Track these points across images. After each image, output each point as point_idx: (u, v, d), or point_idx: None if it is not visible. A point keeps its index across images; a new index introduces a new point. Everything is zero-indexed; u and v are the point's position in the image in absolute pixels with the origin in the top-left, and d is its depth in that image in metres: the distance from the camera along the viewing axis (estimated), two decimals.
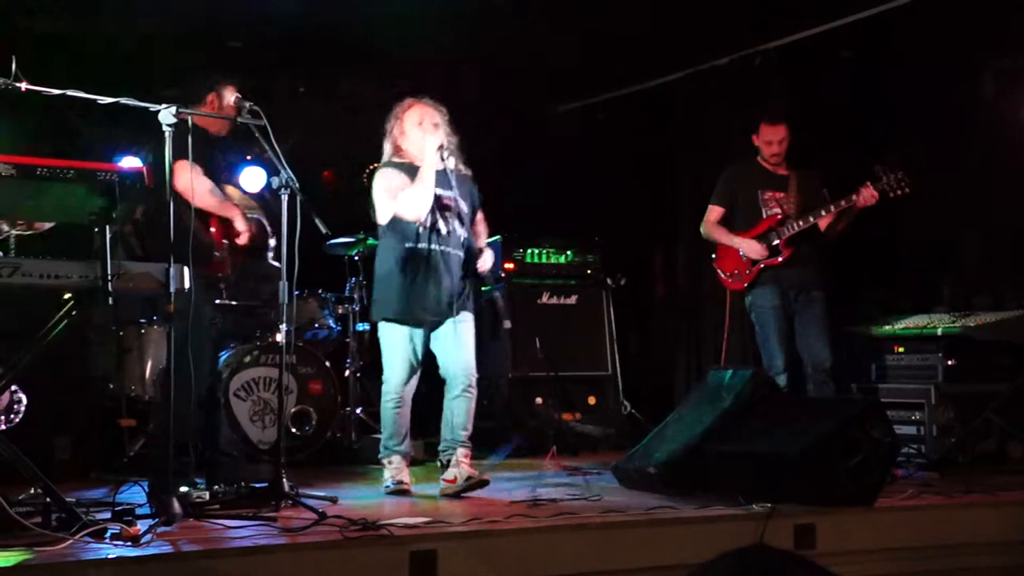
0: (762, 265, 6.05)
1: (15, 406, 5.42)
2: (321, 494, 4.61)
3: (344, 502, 4.53)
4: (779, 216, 6.10)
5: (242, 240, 4.98)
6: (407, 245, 4.98)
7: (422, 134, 5.01)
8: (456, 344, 5.03)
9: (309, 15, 6.90)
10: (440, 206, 5.01)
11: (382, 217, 5.08)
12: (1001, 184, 6.68)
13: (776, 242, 6.04)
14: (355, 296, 6.95)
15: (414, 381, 5.11)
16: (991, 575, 4.37)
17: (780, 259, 6.03)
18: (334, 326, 6.97)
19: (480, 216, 5.30)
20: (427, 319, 5.01)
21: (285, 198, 4.59)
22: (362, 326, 7.05)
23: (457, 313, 5.01)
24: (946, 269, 7.03)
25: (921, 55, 6.83)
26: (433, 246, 4.98)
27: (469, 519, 4.07)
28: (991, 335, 5.67)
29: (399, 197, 4.97)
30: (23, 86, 3.85)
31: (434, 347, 5.09)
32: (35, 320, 4.06)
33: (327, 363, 6.60)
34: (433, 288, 4.97)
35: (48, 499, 3.75)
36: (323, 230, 4.91)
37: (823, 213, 5.97)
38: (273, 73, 7.59)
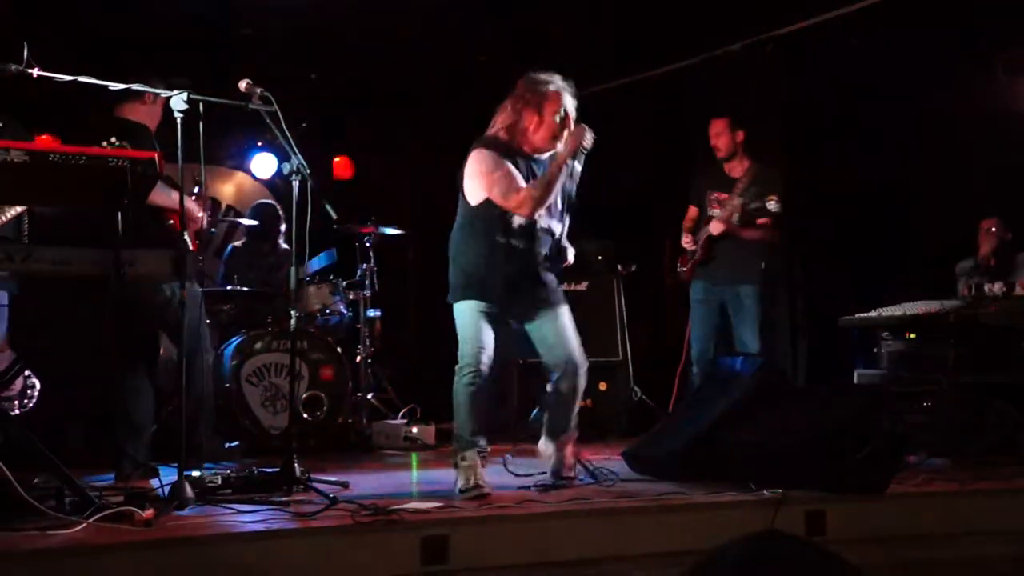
0: (694, 260, 6.42)
1: (29, 391, 5.46)
2: (332, 479, 4.62)
3: (355, 487, 4.54)
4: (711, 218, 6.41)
5: (196, 227, 5.01)
6: (498, 239, 4.55)
7: (562, 128, 4.57)
8: (554, 333, 4.70)
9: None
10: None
11: (474, 197, 4.58)
12: (1015, 172, 6.65)
13: (699, 241, 6.39)
14: (366, 282, 6.96)
15: (487, 360, 4.60)
16: (1003, 563, 4.36)
17: (697, 258, 6.39)
18: (345, 312, 6.98)
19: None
20: (515, 300, 4.62)
21: (296, 184, 4.60)
22: (373, 312, 7.07)
23: (554, 297, 4.69)
24: (958, 256, 7.01)
25: (932, 43, 6.79)
26: (528, 244, 4.60)
27: (480, 504, 4.08)
28: (1004, 322, 5.64)
29: (513, 194, 4.49)
30: (35, 72, 3.86)
31: (530, 335, 4.76)
32: (49, 307, 4.08)
33: (338, 349, 6.62)
34: (526, 276, 4.60)
35: (62, 483, 3.77)
36: (333, 216, 4.91)
37: (716, 225, 6.29)
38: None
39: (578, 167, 4.62)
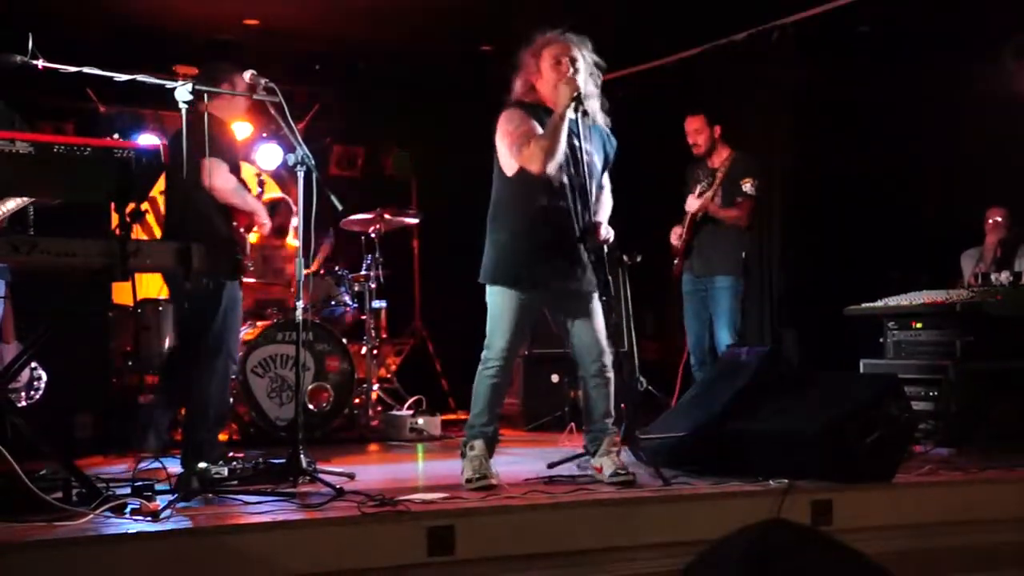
0: (680, 250, 6.49)
1: (35, 383, 5.46)
2: (339, 470, 4.63)
3: (361, 478, 4.54)
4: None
5: (264, 232, 5.02)
6: (541, 203, 4.41)
7: (557, 77, 4.40)
8: (588, 323, 4.52)
9: None
10: (575, 159, 4.41)
11: (508, 167, 4.47)
12: (1020, 159, 6.63)
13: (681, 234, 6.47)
14: (372, 273, 6.96)
15: (514, 355, 4.53)
16: (1009, 551, 4.35)
17: (681, 245, 6.46)
18: (351, 303, 6.98)
19: (606, 180, 4.69)
20: (553, 286, 4.48)
21: (301, 175, 4.60)
22: (379, 303, 7.07)
23: (588, 285, 4.50)
24: (964, 245, 7.00)
25: (940, 29, 6.76)
26: (569, 204, 4.42)
27: (486, 495, 4.08)
28: (1010, 311, 5.64)
29: (524, 148, 4.35)
30: (40, 64, 3.86)
31: (563, 324, 4.57)
32: (55, 298, 4.08)
33: (344, 340, 6.62)
34: (565, 252, 4.43)
35: (69, 474, 3.78)
36: (338, 207, 4.91)
37: (691, 202, 6.40)
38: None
39: (599, 118, 4.54)
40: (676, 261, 6.54)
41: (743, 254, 6.35)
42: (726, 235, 6.33)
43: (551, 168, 4.34)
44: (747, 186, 6.29)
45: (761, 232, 7.38)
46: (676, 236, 6.52)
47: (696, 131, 6.41)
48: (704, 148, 6.40)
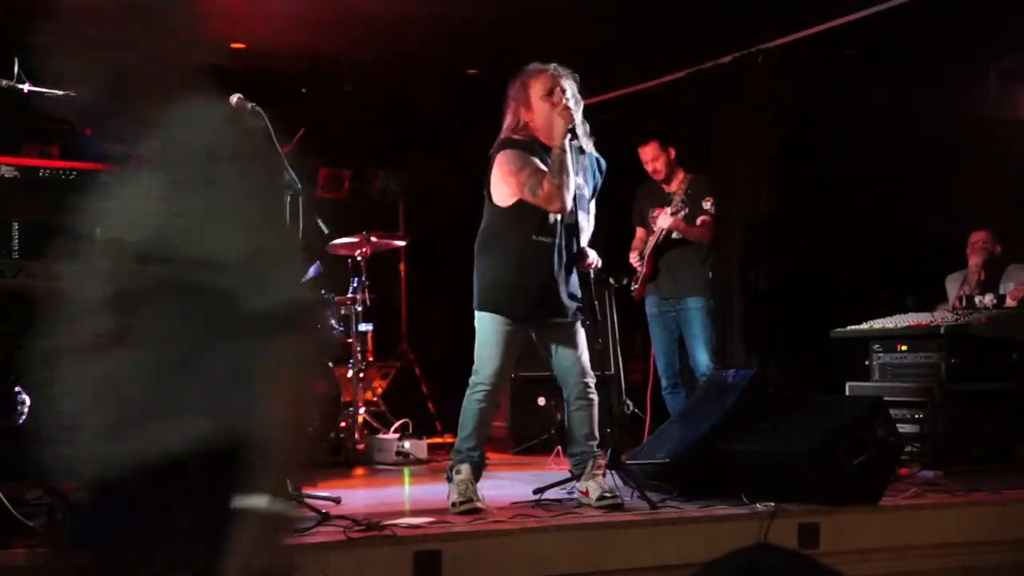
0: (642, 276, 6.45)
1: (19, 407, 5.42)
2: (324, 494, 4.60)
3: (347, 502, 4.52)
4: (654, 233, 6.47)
5: None
6: (533, 237, 4.45)
7: (550, 108, 4.44)
8: (570, 348, 4.58)
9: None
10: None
11: (503, 199, 4.49)
12: (1005, 183, 6.68)
13: (644, 256, 6.43)
14: (358, 296, 6.95)
15: (503, 380, 4.60)
16: (996, 573, 4.36)
17: (644, 273, 6.43)
18: (337, 326, 6.96)
19: (592, 206, 4.72)
20: (541, 316, 4.52)
21: (288, 199, 4.59)
22: (365, 326, 7.06)
23: (572, 314, 4.57)
24: (949, 267, 7.03)
25: (925, 54, 6.82)
26: (560, 240, 4.48)
27: (473, 519, 4.07)
28: (994, 332, 5.66)
29: (539, 190, 4.34)
30: (26, 87, 3.86)
31: (546, 348, 4.63)
32: (40, 321, 4.06)
33: (330, 363, 6.59)
34: (553, 284, 4.47)
35: (52, 500, 3.75)
36: (325, 230, 4.91)
37: (664, 219, 6.29)
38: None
39: (592, 154, 4.61)
40: (637, 285, 6.53)
41: (710, 274, 6.38)
42: (693, 255, 6.35)
43: (567, 206, 4.38)
44: (708, 204, 6.34)
45: (747, 252, 7.40)
46: (635, 259, 6.51)
47: (653, 159, 6.44)
48: (664, 173, 6.43)
